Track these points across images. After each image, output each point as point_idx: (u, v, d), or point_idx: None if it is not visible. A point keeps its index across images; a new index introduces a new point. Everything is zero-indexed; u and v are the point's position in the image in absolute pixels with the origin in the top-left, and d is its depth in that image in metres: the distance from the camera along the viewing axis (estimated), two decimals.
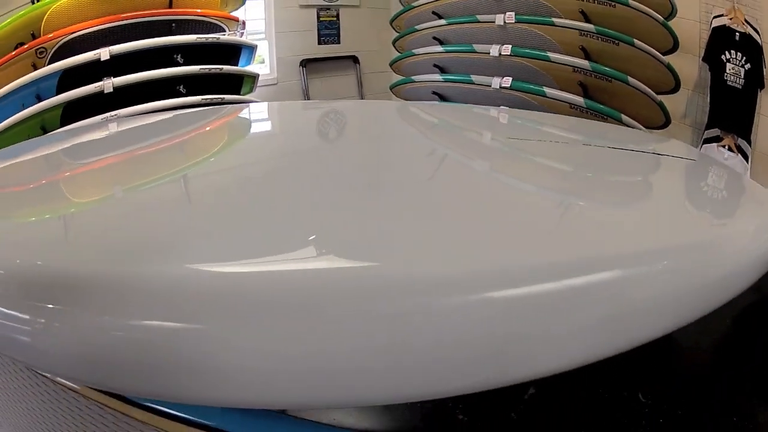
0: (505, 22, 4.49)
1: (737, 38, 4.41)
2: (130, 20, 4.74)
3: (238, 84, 5.34)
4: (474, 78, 4.71)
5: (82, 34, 4.57)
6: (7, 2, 4.90)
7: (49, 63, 4.49)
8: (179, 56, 4.91)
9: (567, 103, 4.25)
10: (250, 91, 5.47)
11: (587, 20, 4.29)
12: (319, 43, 6.95)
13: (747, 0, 4.55)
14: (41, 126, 4.40)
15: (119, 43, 4.62)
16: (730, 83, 4.42)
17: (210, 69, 4.97)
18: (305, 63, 6.78)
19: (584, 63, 4.19)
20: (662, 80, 4.36)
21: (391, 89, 5.93)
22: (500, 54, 4.49)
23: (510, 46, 4.45)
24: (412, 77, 5.45)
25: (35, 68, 4.48)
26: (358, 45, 7.27)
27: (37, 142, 2.42)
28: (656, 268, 0.97)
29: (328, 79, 7.07)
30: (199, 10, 5.01)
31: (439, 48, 5.11)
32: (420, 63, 5.39)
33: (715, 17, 4.58)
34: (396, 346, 0.75)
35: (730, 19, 4.47)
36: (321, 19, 6.88)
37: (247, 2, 5.66)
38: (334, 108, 3.06)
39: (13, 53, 4.44)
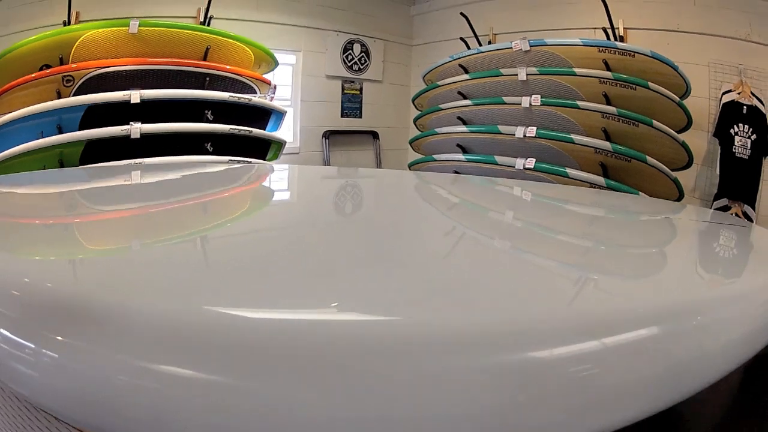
0: (531, 104, 4.58)
1: (745, 111, 4.64)
2: (164, 66, 4.67)
3: (264, 149, 5.29)
4: (498, 159, 4.75)
5: (114, 71, 4.47)
6: (33, 16, 4.84)
7: (75, 94, 4.36)
8: (209, 113, 4.84)
9: (587, 183, 4.33)
10: (275, 157, 5.41)
11: (608, 102, 4.41)
12: (342, 116, 7.00)
13: (753, 72, 4.75)
14: (59, 159, 4.27)
15: (150, 86, 4.54)
16: (738, 155, 4.62)
17: (240, 130, 4.89)
18: (328, 135, 6.86)
19: (606, 145, 4.29)
20: (677, 157, 4.50)
21: (409, 167, 5.95)
22: (525, 136, 4.55)
23: (535, 128, 4.52)
24: (433, 156, 5.46)
25: (59, 96, 4.34)
26: (378, 120, 7.35)
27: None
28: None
29: (349, 153, 7.10)
30: (227, 67, 4.97)
31: (463, 128, 5.13)
32: (442, 142, 5.41)
33: (724, 93, 4.78)
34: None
35: (739, 93, 4.66)
36: (345, 91, 6.98)
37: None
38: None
39: (33, 75, 4.32)
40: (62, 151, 4.23)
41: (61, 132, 4.25)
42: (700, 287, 1.25)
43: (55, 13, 4.79)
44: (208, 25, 5.32)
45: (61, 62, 4.38)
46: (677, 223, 1.91)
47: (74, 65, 4.35)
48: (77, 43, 4.37)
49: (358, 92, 7.10)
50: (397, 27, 7.47)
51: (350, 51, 6.95)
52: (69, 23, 4.73)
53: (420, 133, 5.82)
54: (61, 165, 4.28)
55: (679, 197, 4.46)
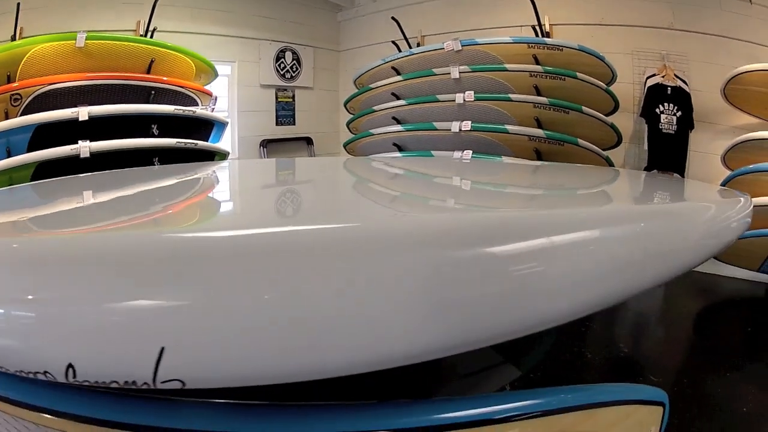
0: (464, 101, 4.72)
1: (669, 92, 4.98)
2: (110, 80, 4.54)
3: (209, 160, 5.07)
4: (434, 153, 4.89)
5: (61, 87, 4.30)
6: None
7: (23, 113, 4.18)
8: (155, 127, 4.72)
9: None
10: None
11: (539, 94, 4.61)
12: (277, 124, 7.10)
13: (676, 57, 5.06)
14: (9, 184, 3.88)
15: (97, 101, 4.42)
16: (665, 131, 4.98)
17: (186, 143, 4.77)
18: (266, 143, 6.93)
19: (539, 132, 4.49)
20: (607, 138, 4.76)
21: None
22: (461, 130, 4.70)
23: (470, 122, 4.67)
24: (370, 156, 5.41)
25: (7, 116, 4.15)
26: (311, 126, 7.44)
27: None
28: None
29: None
30: (169, 79, 4.90)
31: (399, 127, 5.24)
32: (377, 142, 5.52)
33: (648, 77, 5.11)
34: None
35: (663, 76, 4.98)
36: (279, 99, 7.08)
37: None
38: None
39: None
40: (11, 175, 4.03)
41: (9, 155, 4.09)
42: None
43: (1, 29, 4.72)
44: (151, 37, 5.24)
45: (9, 80, 4.24)
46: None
47: (20, 83, 4.22)
48: (25, 59, 4.23)
49: (291, 100, 7.20)
50: (325, 34, 7.59)
51: (282, 59, 7.04)
52: (15, 39, 4.63)
53: (353, 135, 5.91)
54: None
55: None
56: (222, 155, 5.18)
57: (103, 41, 4.54)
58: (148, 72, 4.83)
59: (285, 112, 7.16)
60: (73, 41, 4.38)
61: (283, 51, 7.04)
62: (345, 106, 6.24)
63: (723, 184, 4.35)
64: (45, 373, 0.75)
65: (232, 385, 0.79)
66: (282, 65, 7.04)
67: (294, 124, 7.28)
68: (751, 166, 4.41)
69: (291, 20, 7.15)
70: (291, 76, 7.15)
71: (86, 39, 4.40)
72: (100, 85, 4.48)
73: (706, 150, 5.13)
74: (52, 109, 4.20)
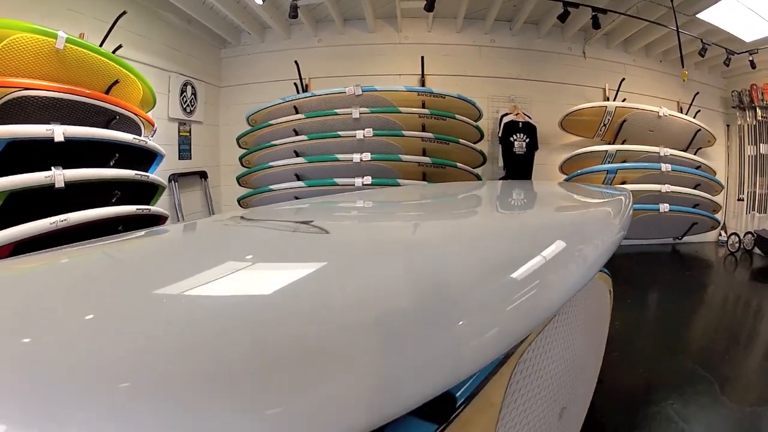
0: (364, 137, 5.83)
1: (520, 126, 6.77)
2: (84, 97, 3.91)
3: (151, 194, 4.82)
4: (337, 180, 5.77)
5: (38, 96, 3.56)
6: None
7: None
8: (116, 155, 4.29)
9: None
10: (155, 203, 4.92)
11: (424, 130, 5.98)
12: (179, 158, 7.07)
13: (521, 99, 7.07)
14: None
15: (64, 119, 3.79)
16: (517, 153, 6.81)
17: (141, 176, 4.42)
18: (176, 178, 6.86)
19: (426, 159, 5.81)
20: (475, 159, 6.35)
21: (239, 201, 6.57)
22: (361, 160, 5.77)
23: (369, 153, 5.79)
24: (270, 186, 6.12)
25: None
26: (204, 161, 7.65)
27: None
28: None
29: (186, 194, 7.17)
30: (105, 99, 4.21)
31: (301, 159, 6.00)
32: (277, 174, 6.18)
33: (503, 115, 6.90)
34: None
35: (516, 115, 6.82)
36: (180, 134, 7.09)
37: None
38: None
39: None
40: None
41: None
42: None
43: None
44: (113, 53, 4.62)
45: None
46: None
47: None
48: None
49: (188, 134, 7.24)
50: (210, 68, 7.89)
51: (185, 93, 7.05)
52: None
53: (248, 168, 6.60)
54: None
55: None
56: (162, 189, 4.93)
57: (81, 49, 3.98)
58: (107, 93, 4.35)
59: (185, 147, 7.16)
60: (53, 40, 3.73)
61: (185, 85, 7.04)
62: (237, 141, 6.85)
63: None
64: None
65: None
66: (185, 99, 7.03)
67: (191, 158, 7.27)
68: (581, 170, 6.70)
69: (189, 53, 7.14)
70: (190, 110, 7.18)
71: (66, 42, 3.79)
72: (72, 101, 3.88)
73: (544, 162, 7.26)
74: (24, 122, 3.54)
